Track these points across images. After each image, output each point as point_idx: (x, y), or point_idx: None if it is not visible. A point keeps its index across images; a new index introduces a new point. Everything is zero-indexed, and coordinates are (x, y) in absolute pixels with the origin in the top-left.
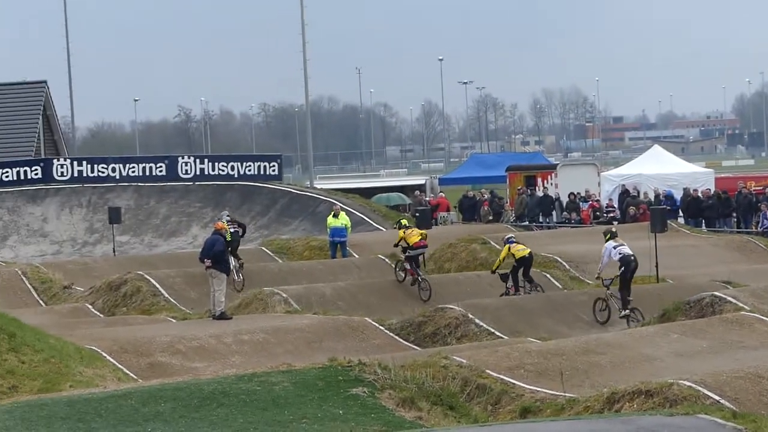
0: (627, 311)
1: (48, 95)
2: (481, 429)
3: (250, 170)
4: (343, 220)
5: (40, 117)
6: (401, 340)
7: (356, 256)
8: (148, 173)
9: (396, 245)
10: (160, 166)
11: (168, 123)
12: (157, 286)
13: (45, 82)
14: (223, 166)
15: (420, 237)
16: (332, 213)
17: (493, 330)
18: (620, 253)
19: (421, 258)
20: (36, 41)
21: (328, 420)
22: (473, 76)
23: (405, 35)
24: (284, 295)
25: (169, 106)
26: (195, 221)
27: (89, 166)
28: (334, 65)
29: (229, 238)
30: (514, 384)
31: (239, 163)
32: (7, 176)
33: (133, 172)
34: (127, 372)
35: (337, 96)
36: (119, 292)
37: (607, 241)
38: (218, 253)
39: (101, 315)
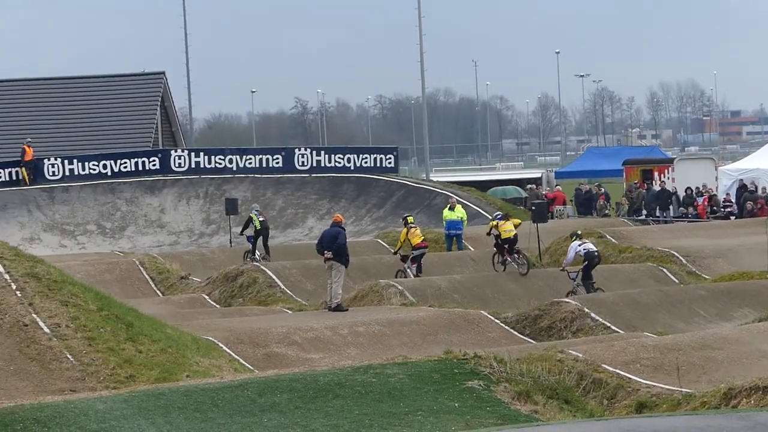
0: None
1: (166, 86)
2: (597, 423)
3: (366, 162)
4: (459, 212)
5: (158, 108)
6: (516, 333)
7: (472, 249)
8: (264, 165)
9: (398, 250)
10: (277, 158)
11: (285, 115)
12: (273, 277)
13: (163, 73)
14: (339, 158)
15: (422, 238)
16: (448, 206)
17: (609, 324)
18: (585, 250)
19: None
20: (154, 33)
21: (443, 413)
22: (590, 69)
23: (522, 28)
24: (400, 287)
25: (286, 98)
26: (311, 213)
27: (206, 157)
28: (450, 58)
29: (258, 227)
30: (630, 379)
31: (355, 155)
32: (125, 167)
33: (250, 163)
34: (243, 362)
35: (453, 89)
36: (236, 282)
37: (573, 240)
38: (341, 246)
39: (217, 306)
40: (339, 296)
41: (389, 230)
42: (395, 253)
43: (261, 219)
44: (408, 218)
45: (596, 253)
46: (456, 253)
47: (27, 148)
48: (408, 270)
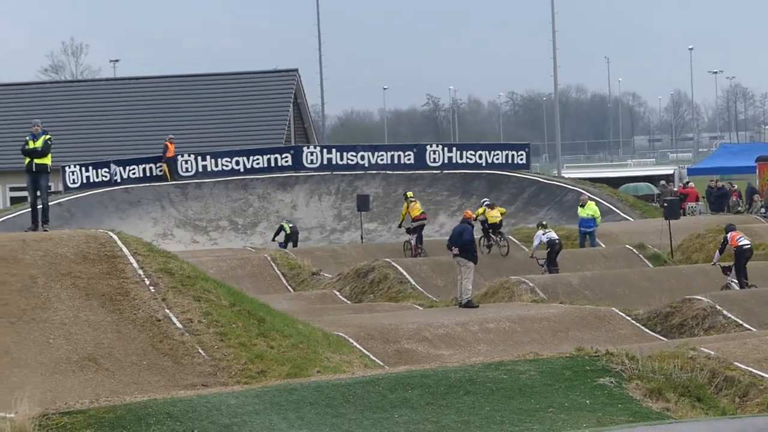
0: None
1: (299, 84)
2: (732, 422)
3: (497, 159)
4: (591, 210)
5: (291, 105)
6: (647, 330)
7: (603, 245)
8: (396, 161)
9: (400, 223)
10: (409, 154)
11: (416, 111)
12: (404, 273)
13: (296, 70)
14: (470, 154)
15: (420, 211)
16: (580, 203)
17: (741, 322)
18: (548, 238)
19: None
20: (288, 30)
21: (574, 409)
22: (723, 65)
23: (655, 24)
24: (531, 284)
25: (418, 95)
26: (442, 209)
27: (338, 153)
28: (582, 54)
29: (288, 232)
30: (762, 377)
31: (487, 152)
32: (258, 163)
33: (382, 160)
34: (374, 358)
35: (585, 85)
36: (366, 279)
37: (538, 229)
38: (467, 242)
39: (348, 301)
40: (469, 292)
41: (520, 227)
42: (399, 226)
43: (290, 225)
44: (407, 194)
45: (557, 241)
46: (587, 250)
47: (169, 144)
48: (410, 241)
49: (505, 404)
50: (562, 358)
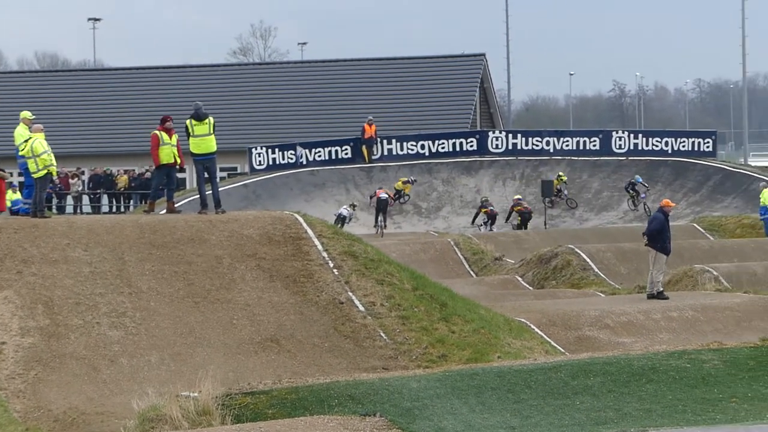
0: None
1: (486, 68)
2: None
3: (684, 146)
4: (764, 198)
5: (478, 90)
6: None
7: None
8: (581, 147)
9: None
10: (594, 140)
11: (602, 98)
12: (588, 260)
13: (483, 55)
14: (656, 141)
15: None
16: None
17: None
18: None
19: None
20: (477, 15)
21: (757, 400)
22: None
23: None
24: (715, 273)
25: (604, 81)
26: (626, 196)
27: (523, 139)
28: None
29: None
30: None
31: (673, 139)
32: (443, 147)
33: (567, 145)
34: (555, 345)
35: None
36: (549, 265)
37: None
38: (653, 231)
39: (530, 287)
40: (658, 283)
41: (705, 215)
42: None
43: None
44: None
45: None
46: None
47: (367, 126)
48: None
49: (688, 393)
50: (746, 348)
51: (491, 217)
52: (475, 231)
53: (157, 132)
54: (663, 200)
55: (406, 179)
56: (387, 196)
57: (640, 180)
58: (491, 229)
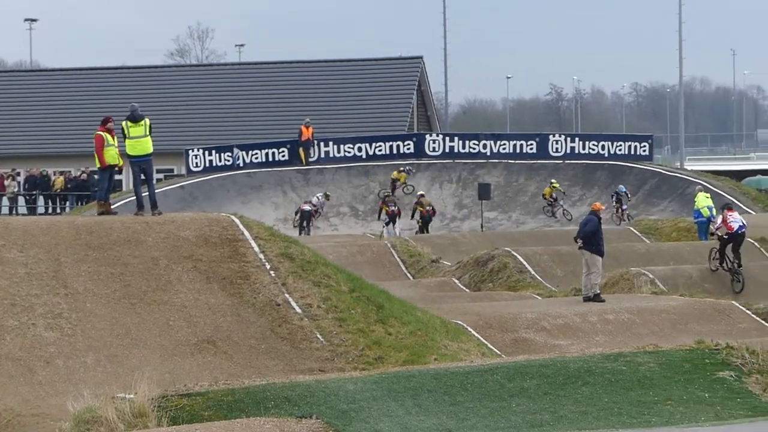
0: None
1: (423, 71)
2: None
3: (620, 150)
4: (697, 201)
5: (415, 92)
6: None
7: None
8: (518, 150)
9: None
10: (531, 144)
11: (539, 101)
12: (524, 263)
13: (421, 58)
14: (593, 145)
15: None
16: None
17: None
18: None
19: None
20: (416, 19)
21: (693, 403)
22: None
23: None
24: (651, 276)
25: (541, 85)
26: (564, 200)
27: (460, 142)
28: (708, 46)
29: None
30: None
31: (609, 143)
32: (380, 150)
33: (504, 149)
34: (491, 347)
35: (709, 77)
36: (486, 267)
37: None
38: (586, 234)
39: (467, 290)
40: (596, 286)
41: (641, 218)
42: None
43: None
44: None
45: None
46: (708, 243)
47: (304, 129)
48: None
49: (624, 396)
50: (681, 350)
51: (391, 217)
52: (413, 233)
53: (101, 133)
54: (594, 203)
55: (402, 168)
56: (310, 208)
57: (624, 190)
58: (396, 231)
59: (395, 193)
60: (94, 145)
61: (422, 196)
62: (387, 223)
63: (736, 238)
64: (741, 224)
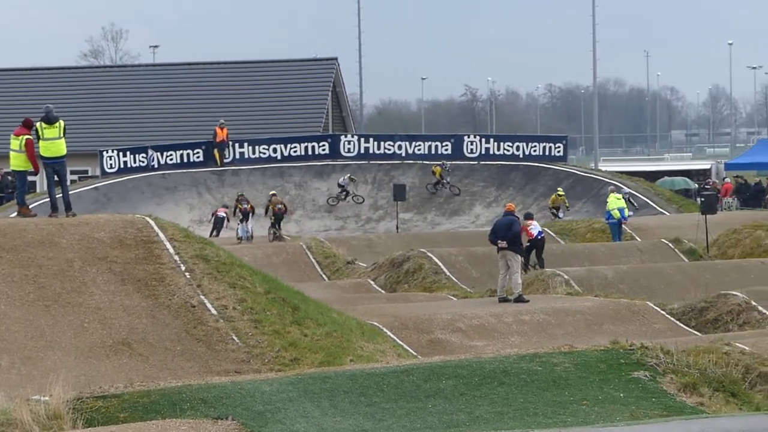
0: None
1: (338, 72)
2: (766, 417)
3: (535, 151)
4: (609, 203)
5: (330, 94)
6: (682, 325)
7: (638, 239)
8: (433, 151)
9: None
10: (446, 145)
11: (454, 102)
12: (440, 264)
13: (335, 59)
14: (508, 146)
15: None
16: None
17: None
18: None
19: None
20: (331, 20)
21: (608, 402)
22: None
23: (694, 19)
24: (566, 276)
25: (456, 86)
26: (478, 200)
27: (376, 143)
28: (621, 48)
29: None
30: None
31: (524, 144)
32: (295, 151)
33: (419, 150)
34: (408, 348)
35: (623, 78)
36: (401, 268)
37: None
38: (516, 235)
39: (383, 291)
40: (519, 286)
41: (557, 219)
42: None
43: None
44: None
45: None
46: (623, 244)
47: (219, 130)
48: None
49: (539, 396)
50: (596, 351)
51: (244, 215)
52: (328, 235)
53: (30, 137)
54: (507, 204)
55: (438, 163)
56: (225, 215)
57: (628, 191)
58: (247, 230)
59: (437, 189)
60: (24, 149)
61: (274, 195)
62: (241, 221)
63: (536, 243)
64: (539, 231)
